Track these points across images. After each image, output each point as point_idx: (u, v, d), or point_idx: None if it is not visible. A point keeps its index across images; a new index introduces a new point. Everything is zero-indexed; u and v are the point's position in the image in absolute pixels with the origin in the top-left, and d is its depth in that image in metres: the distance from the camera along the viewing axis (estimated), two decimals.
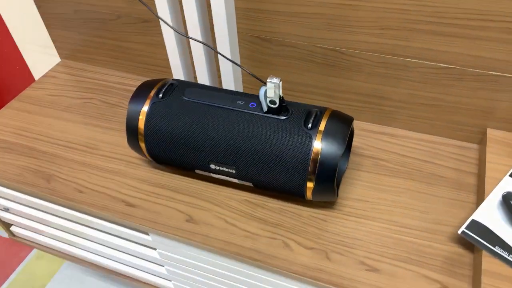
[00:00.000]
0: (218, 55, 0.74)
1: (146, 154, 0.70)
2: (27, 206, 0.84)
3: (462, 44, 0.64)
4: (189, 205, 0.69)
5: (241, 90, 0.82)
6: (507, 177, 0.64)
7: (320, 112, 0.62)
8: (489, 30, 0.61)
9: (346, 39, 0.70)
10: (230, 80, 0.78)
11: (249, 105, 0.63)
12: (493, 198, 0.61)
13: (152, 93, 0.67)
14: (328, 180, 0.59)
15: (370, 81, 0.74)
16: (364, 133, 0.78)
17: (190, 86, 0.68)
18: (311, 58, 0.75)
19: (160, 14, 0.73)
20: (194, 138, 0.64)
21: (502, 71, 0.65)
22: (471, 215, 0.61)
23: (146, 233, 0.71)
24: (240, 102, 0.64)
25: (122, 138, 0.81)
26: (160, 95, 0.66)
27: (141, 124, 0.66)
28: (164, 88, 0.67)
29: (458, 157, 0.73)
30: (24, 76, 1.18)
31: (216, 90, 0.67)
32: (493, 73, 0.65)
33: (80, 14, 0.90)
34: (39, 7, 0.93)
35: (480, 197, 0.65)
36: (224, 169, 0.65)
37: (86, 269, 1.49)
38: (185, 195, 0.71)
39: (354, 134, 0.77)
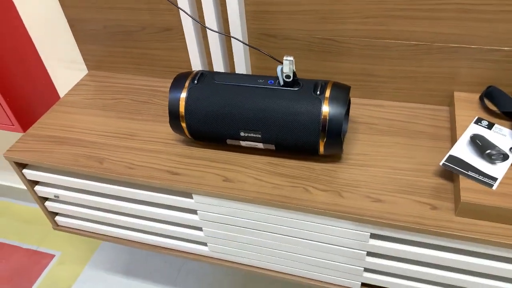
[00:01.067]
0: (232, 47, 0.92)
1: (186, 132, 0.85)
2: (78, 192, 0.98)
3: (428, 24, 0.83)
4: (224, 170, 0.85)
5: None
6: (472, 124, 0.82)
7: (324, 83, 0.79)
8: (446, 11, 0.80)
9: (337, 28, 0.89)
10: (242, 67, 0.95)
11: (268, 82, 0.80)
12: (464, 139, 0.79)
13: (188, 81, 0.83)
14: (336, 133, 0.76)
15: (359, 62, 0.92)
16: (357, 106, 0.96)
17: (218, 73, 0.85)
18: (310, 47, 0.93)
19: (182, 7, 0.90)
20: (226, 112, 0.80)
21: (459, 43, 0.84)
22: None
23: (190, 196, 0.86)
24: (260, 80, 0.81)
25: (156, 126, 0.97)
26: (195, 81, 0.83)
27: (182, 107, 0.82)
28: (197, 76, 0.84)
29: (433, 117, 0.92)
30: (49, 91, 1.32)
31: (239, 75, 0.84)
32: (453, 45, 0.84)
33: (108, 29, 1.06)
34: (72, 26, 1.09)
35: (454, 143, 0.83)
36: (252, 134, 0.81)
37: (109, 268, 1.61)
38: (219, 163, 0.86)
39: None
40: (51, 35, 1.17)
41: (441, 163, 0.75)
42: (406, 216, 0.73)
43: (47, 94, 1.32)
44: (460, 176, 0.73)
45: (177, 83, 0.84)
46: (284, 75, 0.77)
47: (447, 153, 0.83)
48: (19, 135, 1.58)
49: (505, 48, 0.82)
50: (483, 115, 0.85)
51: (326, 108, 0.76)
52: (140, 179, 0.85)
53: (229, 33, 0.91)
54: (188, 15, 0.86)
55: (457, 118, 0.84)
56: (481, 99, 0.87)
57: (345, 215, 0.74)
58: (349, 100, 0.86)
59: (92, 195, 0.97)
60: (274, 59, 0.79)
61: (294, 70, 0.77)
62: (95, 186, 0.93)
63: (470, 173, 0.73)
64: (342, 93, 0.77)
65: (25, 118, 1.25)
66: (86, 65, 1.17)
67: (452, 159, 0.76)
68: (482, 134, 0.80)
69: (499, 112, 0.84)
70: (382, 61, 0.91)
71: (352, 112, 0.95)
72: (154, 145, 0.92)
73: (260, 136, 0.81)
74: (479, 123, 0.82)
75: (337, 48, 0.92)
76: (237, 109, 0.80)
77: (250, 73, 0.98)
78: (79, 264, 1.65)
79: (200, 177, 0.84)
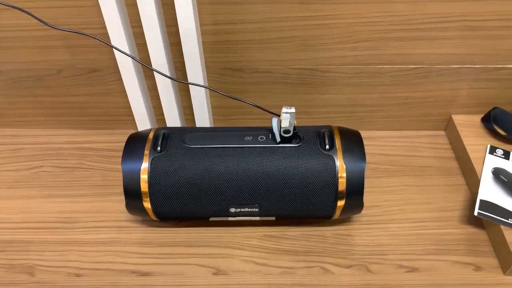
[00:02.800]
0: (190, 91, 0.71)
1: (151, 215, 0.63)
2: None
3: (428, 45, 0.70)
4: (209, 257, 0.64)
5: (212, 124, 0.79)
6: (487, 155, 0.72)
7: (329, 132, 0.62)
8: (451, 30, 0.68)
9: (320, 56, 0.72)
10: (204, 111, 0.75)
11: (258, 138, 0.61)
12: (486, 176, 0.68)
13: (147, 147, 0.61)
14: (358, 194, 0.60)
15: (344, 92, 0.77)
16: None
17: (185, 132, 0.63)
18: (286, 80, 0.76)
19: (119, 56, 0.67)
20: (209, 186, 0.60)
21: (462, 63, 0.72)
22: (467, 196, 0.68)
23: None
24: (248, 138, 0.62)
25: (99, 202, 0.73)
26: (158, 148, 0.61)
27: (144, 184, 0.60)
28: (160, 140, 0.62)
29: (432, 146, 0.80)
30: None
31: (216, 131, 0.64)
32: (454, 66, 0.73)
33: (6, 75, 0.78)
34: None
35: (468, 178, 0.72)
36: (246, 209, 0.62)
37: None
38: (200, 247, 0.66)
39: None
40: None
41: (475, 213, 0.64)
42: (454, 286, 0.60)
43: None
44: (501, 227, 0.62)
45: (132, 151, 0.62)
46: (282, 130, 0.59)
47: (465, 192, 0.72)
48: None
49: (510, 66, 0.72)
50: (491, 140, 0.75)
51: (341, 165, 0.59)
52: None
53: (183, 70, 0.70)
54: (132, 57, 0.63)
55: (468, 148, 0.74)
56: (484, 121, 0.78)
57: None
58: None
59: None
60: (270, 112, 0.60)
61: (295, 123, 0.59)
62: None
63: (510, 221, 0.63)
64: (356, 142, 0.61)
65: None
66: None
67: (484, 205, 0.64)
68: (503, 167, 0.70)
69: (506, 136, 0.75)
70: (372, 89, 0.77)
71: None
72: (103, 233, 0.68)
73: (258, 210, 0.62)
74: (494, 153, 0.72)
75: (319, 79, 0.76)
76: (224, 180, 0.60)
77: (211, 116, 0.78)
78: None
79: (180, 273, 0.63)
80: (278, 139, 0.60)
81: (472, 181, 0.71)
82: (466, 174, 0.73)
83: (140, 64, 0.71)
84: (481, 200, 0.65)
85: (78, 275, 0.63)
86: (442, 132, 0.83)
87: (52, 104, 0.82)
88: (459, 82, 0.75)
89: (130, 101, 0.74)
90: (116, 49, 0.62)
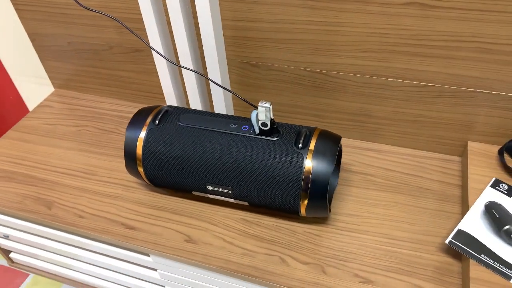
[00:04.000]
0: (211, 84, 0.78)
1: (145, 178, 0.72)
2: (27, 233, 0.85)
3: (439, 64, 0.68)
4: (187, 226, 0.71)
5: (232, 113, 0.85)
6: (488, 187, 0.67)
7: (309, 132, 0.65)
8: (463, 50, 0.66)
9: (331, 62, 0.74)
10: (222, 104, 0.82)
11: (242, 128, 0.67)
12: (477, 208, 0.65)
13: (149, 120, 0.70)
14: (321, 196, 0.62)
15: (355, 100, 0.78)
16: (352, 150, 0.82)
17: (185, 112, 0.71)
18: (298, 81, 0.79)
19: (152, 44, 0.76)
20: (191, 161, 0.67)
21: (478, 88, 0.69)
22: (455, 225, 0.64)
23: (147, 255, 0.73)
24: (233, 125, 0.67)
25: (118, 163, 0.84)
26: (156, 121, 0.69)
27: (139, 150, 0.69)
28: (160, 115, 0.70)
29: (442, 170, 0.77)
30: (18, 107, 1.20)
31: (209, 115, 0.70)
32: (470, 89, 0.69)
33: (73, 46, 0.93)
34: (33, 41, 0.96)
35: (465, 208, 0.68)
36: (220, 189, 0.67)
37: None
38: (183, 216, 0.73)
39: (343, 151, 0.81)
40: (17, 48, 1.04)
41: (447, 241, 0.61)
42: None
43: (15, 110, 1.20)
44: (470, 260, 0.59)
45: (137, 121, 0.71)
46: (259, 122, 0.64)
47: (455, 221, 0.69)
48: None
49: None
50: (502, 175, 0.70)
51: (309, 164, 0.62)
52: (89, 233, 0.72)
53: (206, 67, 0.77)
54: (160, 54, 0.72)
55: (470, 177, 0.70)
56: (500, 153, 0.72)
57: None
58: (340, 149, 0.72)
59: (43, 238, 0.84)
60: (249, 103, 0.65)
61: (272, 117, 0.63)
62: (45, 232, 0.80)
63: (483, 257, 0.59)
64: (330, 146, 0.63)
65: None
66: (52, 83, 1.04)
67: (461, 235, 0.62)
68: (500, 203, 0.65)
69: None
70: (383, 101, 0.76)
71: (345, 157, 0.81)
72: (112, 187, 0.79)
73: (230, 192, 0.67)
74: (496, 187, 0.67)
75: (330, 84, 0.77)
76: (203, 159, 0.66)
77: (231, 106, 0.84)
78: (54, 286, 1.53)
79: (159, 234, 0.71)
80: (257, 131, 0.65)
81: (466, 211, 0.67)
82: (464, 203, 0.70)
83: (171, 48, 0.80)
84: (458, 230, 0.62)
85: (81, 217, 0.75)
86: (457, 158, 0.79)
87: (105, 75, 0.96)
88: (475, 107, 0.71)
89: (161, 81, 0.84)
90: (152, 49, 0.72)
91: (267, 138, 0.65)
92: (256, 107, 0.63)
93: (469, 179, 0.69)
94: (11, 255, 0.97)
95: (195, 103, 0.84)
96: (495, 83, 0.67)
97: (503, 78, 0.67)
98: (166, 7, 0.73)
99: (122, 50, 0.89)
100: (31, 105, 1.20)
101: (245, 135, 0.65)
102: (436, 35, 0.65)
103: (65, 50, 0.95)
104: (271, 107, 0.61)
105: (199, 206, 0.74)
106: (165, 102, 0.94)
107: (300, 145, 0.63)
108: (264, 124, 0.64)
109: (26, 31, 0.94)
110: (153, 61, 0.88)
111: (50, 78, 1.02)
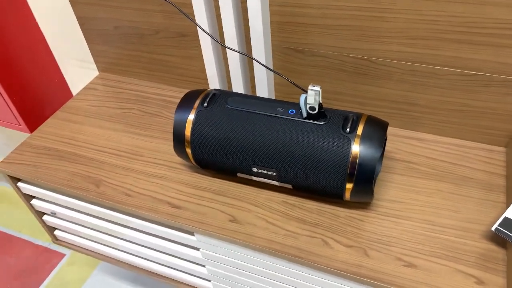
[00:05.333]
0: (254, 65, 0.79)
1: (192, 160, 0.74)
2: (74, 210, 0.89)
3: (489, 52, 0.68)
4: (231, 207, 0.73)
5: (273, 96, 0.87)
6: None
7: (356, 117, 0.66)
8: None
9: (376, 48, 0.75)
10: (264, 89, 0.83)
11: (289, 111, 0.68)
12: None
13: (197, 102, 0.72)
14: (367, 181, 0.63)
15: (399, 88, 0.78)
16: (395, 138, 0.82)
17: (232, 95, 0.73)
18: (342, 67, 0.80)
19: (199, 21, 0.78)
20: (238, 143, 0.68)
21: None
22: (500, 214, 0.64)
23: (191, 234, 0.75)
24: (280, 109, 0.68)
25: (163, 145, 0.86)
26: (205, 104, 0.71)
27: (188, 131, 0.71)
28: (208, 98, 0.72)
29: (486, 160, 0.77)
30: (62, 89, 1.24)
31: (256, 99, 0.71)
32: None
33: (120, 30, 0.96)
34: (81, 24, 0.99)
35: (510, 197, 0.68)
36: (266, 171, 0.69)
37: (117, 273, 1.54)
38: (227, 197, 0.75)
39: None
40: (64, 32, 1.07)
41: (493, 228, 0.61)
42: None
43: (59, 93, 1.24)
44: None
45: (185, 103, 0.73)
46: (308, 106, 0.65)
47: (500, 210, 0.68)
48: (26, 135, 1.51)
49: None
50: None
51: (356, 149, 0.62)
52: (136, 211, 0.75)
53: (251, 48, 0.79)
54: (206, 33, 0.74)
55: None
56: None
57: (370, 282, 0.62)
58: (386, 137, 0.72)
59: (90, 216, 0.88)
60: (298, 87, 0.66)
61: (321, 101, 0.64)
62: (91, 209, 0.84)
63: None
64: (377, 131, 0.64)
65: (33, 118, 1.18)
66: (97, 66, 1.07)
67: (508, 223, 0.61)
68: None
69: None
70: (428, 89, 0.76)
71: (388, 145, 0.81)
72: (157, 168, 0.82)
73: (275, 174, 0.69)
74: None
75: (375, 71, 0.78)
76: (250, 141, 0.68)
77: (273, 91, 0.86)
78: (89, 266, 1.59)
79: (204, 213, 0.73)
80: (304, 115, 0.66)
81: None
82: (510, 193, 0.69)
83: (216, 33, 0.81)
84: (505, 218, 0.62)
85: (128, 195, 0.77)
86: (502, 149, 0.78)
87: (149, 60, 0.98)
88: None
89: (205, 66, 0.86)
90: (198, 26, 0.73)
91: (314, 122, 0.66)
92: (305, 91, 0.64)
93: None
94: (56, 232, 1.01)
95: (238, 87, 0.85)
96: None
97: None
98: None
99: (168, 34, 0.91)
100: (74, 87, 1.24)
101: (292, 119, 0.67)
102: (488, 22, 0.65)
103: (111, 34, 0.97)
104: (320, 91, 0.62)
105: (241, 188, 0.76)
106: (208, 87, 0.96)
107: (348, 130, 0.64)
108: (312, 108, 0.65)
109: (76, 15, 0.97)
110: (197, 46, 0.90)
111: (96, 62, 1.06)
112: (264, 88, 0.84)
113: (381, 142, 0.63)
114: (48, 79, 1.19)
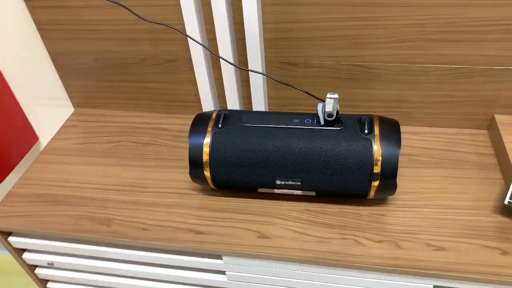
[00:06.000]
0: (250, 81, 0.81)
1: (210, 182, 0.74)
2: (79, 258, 0.84)
3: (471, 47, 0.75)
4: (256, 223, 0.74)
5: (267, 109, 0.89)
6: None
7: (370, 119, 0.69)
8: (493, 33, 0.73)
9: (369, 54, 0.80)
10: (261, 104, 0.85)
11: (305, 121, 0.70)
12: None
13: (211, 125, 0.72)
14: (392, 176, 0.67)
15: (390, 88, 0.84)
16: None
17: (244, 113, 0.73)
18: (336, 74, 0.84)
19: (192, 49, 0.79)
20: (260, 159, 0.69)
21: (506, 65, 0.77)
22: (502, 189, 0.71)
23: (219, 257, 0.74)
24: (296, 120, 0.70)
25: (166, 173, 0.84)
26: (219, 125, 0.71)
27: (205, 155, 0.71)
28: (221, 119, 0.72)
29: (474, 143, 0.84)
30: (26, 132, 1.16)
31: (269, 114, 0.73)
32: (498, 67, 0.77)
33: (100, 62, 0.92)
34: (54, 61, 0.94)
35: (505, 173, 0.76)
36: (290, 182, 0.70)
37: None
38: (248, 215, 0.75)
39: None
40: (27, 69, 1.01)
41: (505, 201, 0.68)
42: (478, 266, 0.64)
43: (24, 136, 1.16)
44: None
45: (197, 127, 0.73)
46: (326, 114, 0.67)
47: (500, 186, 0.75)
48: None
49: None
50: None
51: (378, 148, 0.66)
52: (157, 244, 0.72)
53: (246, 62, 0.81)
54: (202, 45, 0.75)
55: (507, 145, 0.77)
56: None
57: (409, 271, 0.65)
58: None
59: (98, 260, 0.83)
60: (316, 97, 0.68)
61: (338, 108, 0.67)
62: (103, 252, 0.79)
63: None
64: (393, 130, 0.68)
65: None
66: (72, 102, 1.02)
67: None
68: None
69: None
70: (417, 86, 0.82)
71: None
72: (168, 197, 0.80)
73: (300, 183, 0.70)
74: None
75: (367, 75, 0.83)
76: (273, 155, 0.69)
77: (267, 105, 0.88)
78: None
79: (229, 234, 0.72)
80: (322, 122, 0.69)
81: (508, 175, 0.74)
82: (504, 169, 0.77)
83: (209, 55, 0.82)
84: None
85: (145, 229, 0.75)
86: (485, 131, 0.86)
87: (133, 89, 0.96)
88: (502, 83, 0.79)
89: (198, 87, 0.86)
90: (192, 38, 0.74)
91: (332, 128, 0.68)
92: (322, 100, 0.67)
93: (506, 147, 0.77)
94: (49, 284, 0.94)
95: (233, 98, 0.86)
96: None
97: None
98: (210, 13, 0.75)
99: (155, 61, 0.90)
100: (42, 129, 1.16)
101: (311, 128, 0.69)
102: (469, 21, 0.72)
103: (90, 68, 0.94)
104: (338, 97, 0.65)
105: (261, 203, 0.77)
106: (198, 110, 0.96)
107: (366, 131, 0.67)
108: (330, 115, 0.67)
109: (49, 51, 0.92)
110: (186, 70, 0.90)
111: (71, 98, 1.01)
112: (261, 103, 0.85)
113: (399, 138, 0.67)
114: (9, 122, 1.11)
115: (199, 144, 0.71)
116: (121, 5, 0.63)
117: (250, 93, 0.85)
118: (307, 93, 0.69)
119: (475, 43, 0.75)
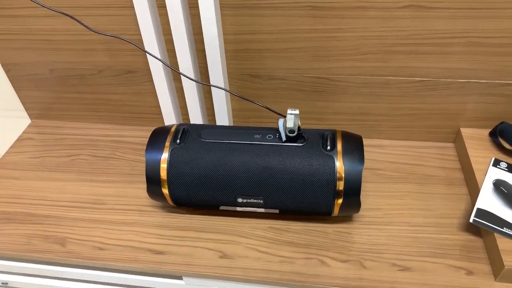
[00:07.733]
0: (213, 94, 0.78)
1: (169, 200, 0.70)
2: (33, 277, 0.79)
3: (434, 59, 0.75)
4: (218, 242, 0.71)
5: (231, 123, 0.86)
6: (491, 167, 0.74)
7: (332, 135, 0.68)
8: (455, 46, 0.72)
9: (331, 66, 0.78)
10: (224, 117, 0.82)
11: (266, 137, 0.68)
12: (486, 187, 0.71)
13: (169, 140, 0.69)
14: (355, 194, 0.65)
15: (355, 100, 0.82)
16: None
17: (203, 128, 0.71)
18: (300, 87, 0.82)
19: (151, 62, 0.76)
20: (220, 176, 0.66)
21: (468, 78, 0.76)
22: (468, 205, 0.70)
23: (180, 278, 0.71)
24: (257, 135, 0.68)
25: (126, 188, 0.81)
26: (177, 141, 0.68)
27: (163, 172, 0.68)
28: (180, 134, 0.69)
29: (440, 156, 0.83)
30: None
31: (230, 129, 0.70)
32: (461, 80, 0.76)
33: (56, 73, 0.88)
34: (7, 71, 0.90)
35: (471, 188, 0.75)
36: (252, 200, 0.68)
37: None
38: (210, 233, 0.72)
39: None
40: None
41: (471, 220, 0.67)
42: (443, 287, 0.63)
43: None
44: (495, 234, 0.65)
45: (155, 142, 0.69)
46: (287, 130, 0.65)
47: (465, 202, 0.75)
48: None
49: None
50: (497, 154, 0.77)
51: (340, 165, 0.64)
52: (114, 264, 0.69)
53: (207, 76, 0.78)
54: (161, 61, 0.72)
55: (472, 159, 0.76)
56: (491, 135, 0.80)
57: None
58: None
59: (54, 279, 0.79)
60: (277, 113, 0.66)
61: (299, 124, 0.65)
62: (57, 272, 0.75)
63: (505, 229, 0.65)
64: (356, 145, 0.66)
65: None
66: (29, 113, 0.98)
67: (481, 213, 0.67)
68: (505, 179, 0.72)
69: None
70: (381, 99, 0.81)
71: None
72: (126, 215, 0.76)
73: (262, 201, 0.68)
74: (497, 166, 0.75)
75: (331, 87, 0.81)
76: (233, 172, 0.66)
77: (231, 117, 0.85)
78: None
79: (190, 254, 0.69)
80: (284, 138, 0.66)
81: (474, 191, 0.74)
82: (469, 184, 0.76)
83: (169, 67, 0.79)
84: (478, 209, 0.68)
85: (101, 249, 0.71)
86: (451, 145, 0.86)
87: (92, 100, 0.92)
88: (466, 96, 0.78)
89: (159, 100, 0.83)
90: (150, 54, 0.70)
91: (294, 144, 0.66)
92: (283, 116, 0.65)
93: (472, 162, 0.76)
94: None
95: (196, 118, 0.83)
96: (482, 72, 0.75)
97: (489, 68, 0.74)
98: (163, 25, 0.73)
99: (113, 72, 0.86)
100: None
101: (272, 144, 0.67)
102: (431, 33, 0.71)
103: (46, 78, 0.90)
104: (298, 113, 0.63)
105: (223, 220, 0.74)
106: (160, 122, 0.93)
107: (328, 148, 0.65)
108: (292, 131, 0.65)
109: (0, 61, 0.88)
110: (146, 82, 0.86)
111: (27, 109, 0.96)
112: (224, 116, 0.83)
113: (362, 154, 0.65)
114: None
115: (157, 161, 0.68)
116: (69, 16, 0.60)
117: (213, 105, 0.82)
118: (268, 108, 0.66)
119: (437, 55, 0.74)
